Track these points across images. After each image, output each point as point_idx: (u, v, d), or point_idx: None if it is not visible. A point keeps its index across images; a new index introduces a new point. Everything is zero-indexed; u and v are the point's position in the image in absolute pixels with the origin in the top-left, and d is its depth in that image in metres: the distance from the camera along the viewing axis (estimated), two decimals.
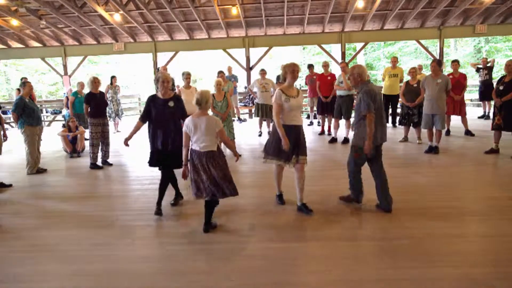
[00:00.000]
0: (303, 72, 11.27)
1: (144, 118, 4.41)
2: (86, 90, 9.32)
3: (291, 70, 4.05)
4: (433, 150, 6.84)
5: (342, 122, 8.39)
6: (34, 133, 6.43)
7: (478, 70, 10.51)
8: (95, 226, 4.14)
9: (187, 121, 3.71)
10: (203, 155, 3.63)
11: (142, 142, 5.41)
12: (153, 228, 4.09)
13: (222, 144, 4.50)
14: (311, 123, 10.81)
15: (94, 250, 3.57)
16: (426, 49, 14.05)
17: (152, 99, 4.39)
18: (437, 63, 6.67)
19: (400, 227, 3.79)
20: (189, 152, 3.74)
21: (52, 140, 9.49)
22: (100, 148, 6.85)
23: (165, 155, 4.30)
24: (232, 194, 3.72)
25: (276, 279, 2.97)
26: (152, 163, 4.43)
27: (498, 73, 14.07)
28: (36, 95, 11.13)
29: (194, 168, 3.71)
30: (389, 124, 9.99)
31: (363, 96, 3.97)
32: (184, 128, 3.74)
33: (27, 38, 13.42)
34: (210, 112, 4.04)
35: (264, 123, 9.45)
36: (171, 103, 4.30)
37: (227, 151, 6.12)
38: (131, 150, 8.29)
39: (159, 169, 4.49)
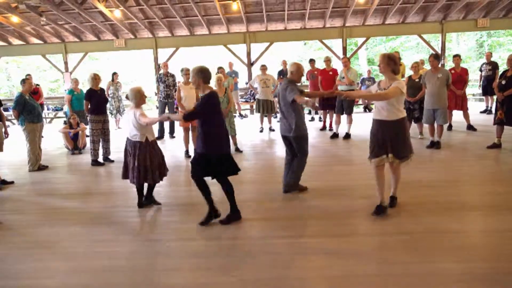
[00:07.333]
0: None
1: None
2: (81, 86, 9.40)
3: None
4: (435, 145, 6.81)
5: (344, 117, 8.36)
6: (35, 130, 6.43)
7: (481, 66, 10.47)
8: (96, 223, 4.14)
9: None
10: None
11: None
12: (153, 224, 4.09)
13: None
14: (312, 119, 10.87)
15: (95, 247, 3.57)
16: (428, 43, 13.95)
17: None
18: (435, 57, 6.67)
19: (401, 222, 3.78)
20: None
21: (53, 137, 9.49)
22: (100, 145, 6.84)
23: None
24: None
25: (277, 274, 2.96)
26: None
27: (501, 66, 13.98)
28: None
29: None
30: None
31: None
32: None
33: (27, 35, 13.39)
34: None
35: (265, 119, 9.42)
36: None
37: None
38: None
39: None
